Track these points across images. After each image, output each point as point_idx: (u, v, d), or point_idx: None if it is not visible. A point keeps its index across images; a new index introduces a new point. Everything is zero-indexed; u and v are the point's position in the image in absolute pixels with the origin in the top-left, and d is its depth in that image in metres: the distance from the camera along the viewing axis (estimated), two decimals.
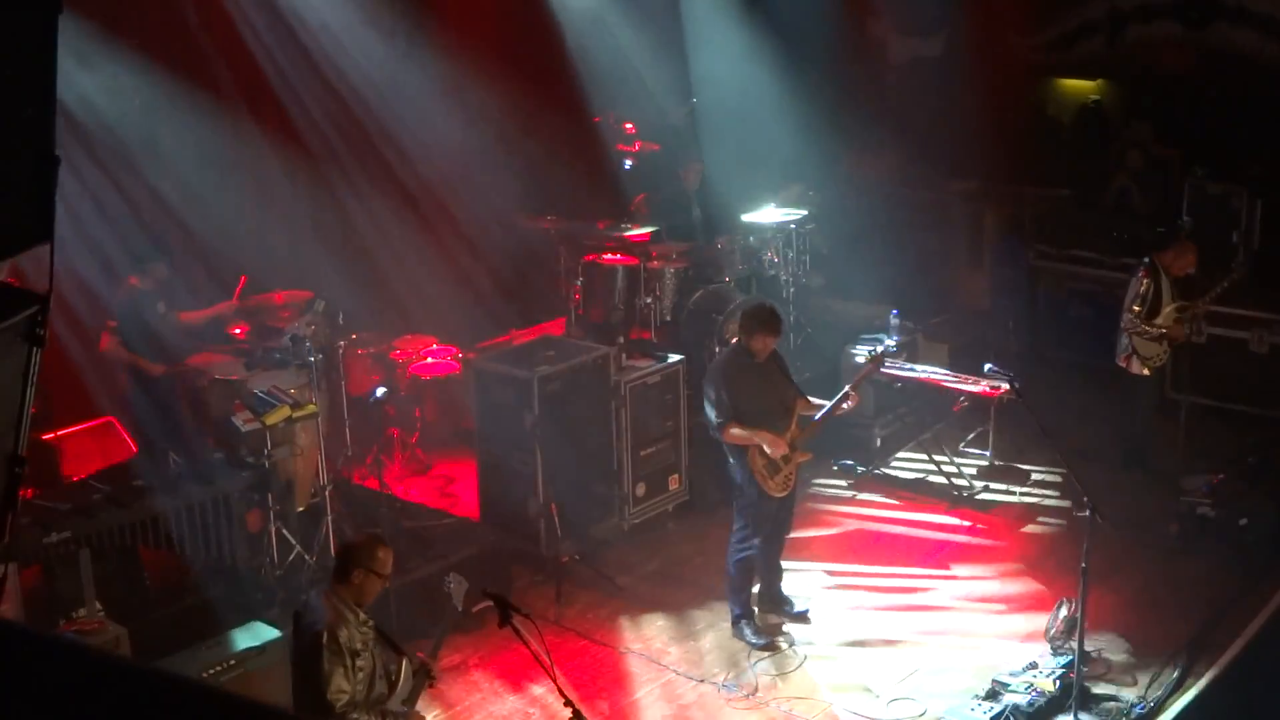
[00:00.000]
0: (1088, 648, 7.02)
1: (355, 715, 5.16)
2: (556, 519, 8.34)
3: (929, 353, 10.20)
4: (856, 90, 12.85)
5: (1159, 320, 9.16)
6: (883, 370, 8.81)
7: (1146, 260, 9.27)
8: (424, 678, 5.50)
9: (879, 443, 9.96)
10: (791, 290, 10.55)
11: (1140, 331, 9.14)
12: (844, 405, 7.66)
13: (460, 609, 5.59)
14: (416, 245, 10.78)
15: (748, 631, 7.69)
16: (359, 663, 5.22)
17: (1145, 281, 9.14)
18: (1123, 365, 9.34)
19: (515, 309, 10.95)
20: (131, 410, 8.56)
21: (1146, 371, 9.26)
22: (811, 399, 7.70)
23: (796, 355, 9.96)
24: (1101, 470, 9.03)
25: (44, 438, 7.99)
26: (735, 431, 7.40)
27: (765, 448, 7.38)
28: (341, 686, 5.13)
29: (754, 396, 7.47)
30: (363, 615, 5.34)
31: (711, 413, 7.49)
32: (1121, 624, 7.68)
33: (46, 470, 7.82)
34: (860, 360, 9.15)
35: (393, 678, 5.42)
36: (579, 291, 10.00)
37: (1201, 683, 7.13)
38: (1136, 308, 9.14)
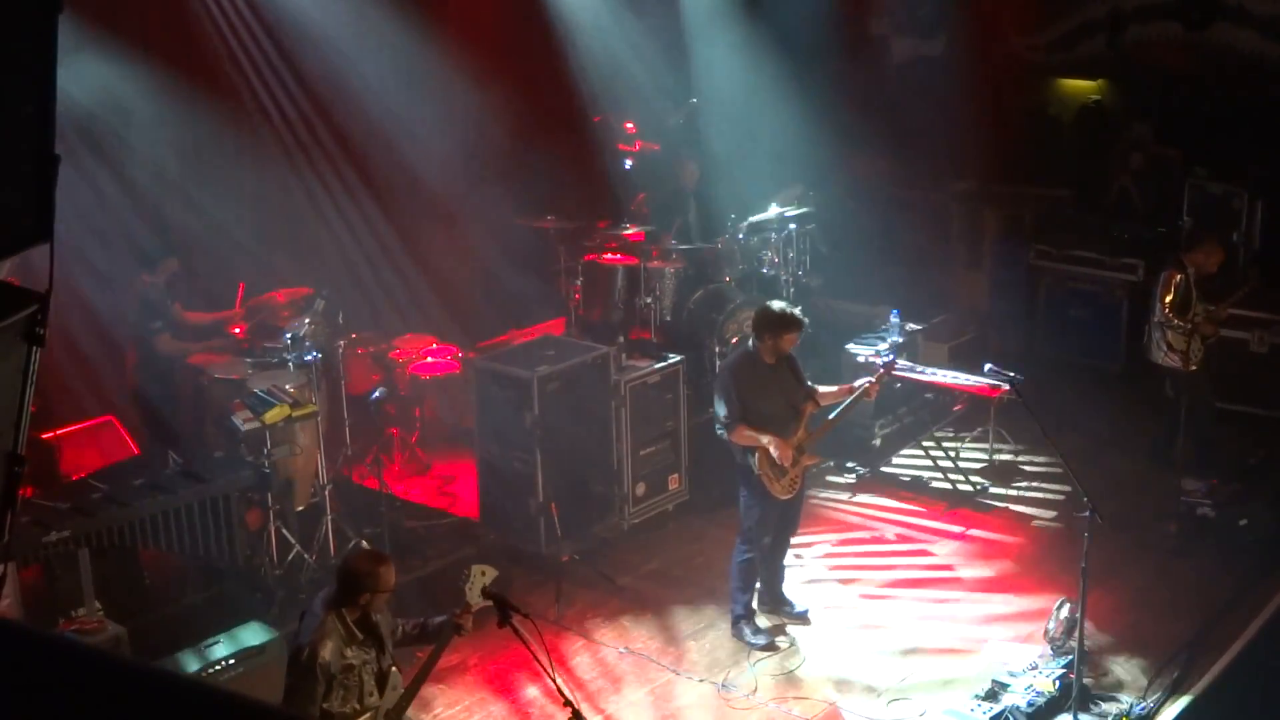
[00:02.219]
0: (1087, 648, 7.02)
1: None
2: (556, 519, 8.34)
3: (929, 353, 10.18)
4: (856, 90, 12.84)
5: (1191, 316, 9.17)
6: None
7: (1174, 259, 9.28)
8: (452, 631, 5.44)
9: (879, 443, 9.96)
10: (791, 290, 10.54)
11: (1173, 325, 9.16)
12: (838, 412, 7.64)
13: (474, 604, 5.44)
14: (416, 245, 10.78)
15: (747, 632, 7.68)
16: (338, 680, 5.19)
17: (1179, 277, 9.17)
18: (1169, 363, 9.30)
19: (515, 309, 10.95)
20: (135, 409, 8.56)
21: (1190, 366, 9.22)
22: (822, 389, 7.67)
23: (796, 356, 9.94)
24: (1101, 470, 9.04)
25: (44, 437, 7.98)
26: (742, 433, 7.40)
27: (771, 450, 7.38)
28: (304, 706, 5.09)
29: (762, 398, 7.45)
30: (359, 635, 5.29)
31: (720, 413, 7.48)
32: (1121, 624, 7.68)
33: (46, 470, 7.81)
34: (863, 362, 9.14)
35: (381, 687, 5.38)
36: (579, 291, 10.00)
37: (1201, 683, 7.12)
38: (1168, 299, 9.16)
